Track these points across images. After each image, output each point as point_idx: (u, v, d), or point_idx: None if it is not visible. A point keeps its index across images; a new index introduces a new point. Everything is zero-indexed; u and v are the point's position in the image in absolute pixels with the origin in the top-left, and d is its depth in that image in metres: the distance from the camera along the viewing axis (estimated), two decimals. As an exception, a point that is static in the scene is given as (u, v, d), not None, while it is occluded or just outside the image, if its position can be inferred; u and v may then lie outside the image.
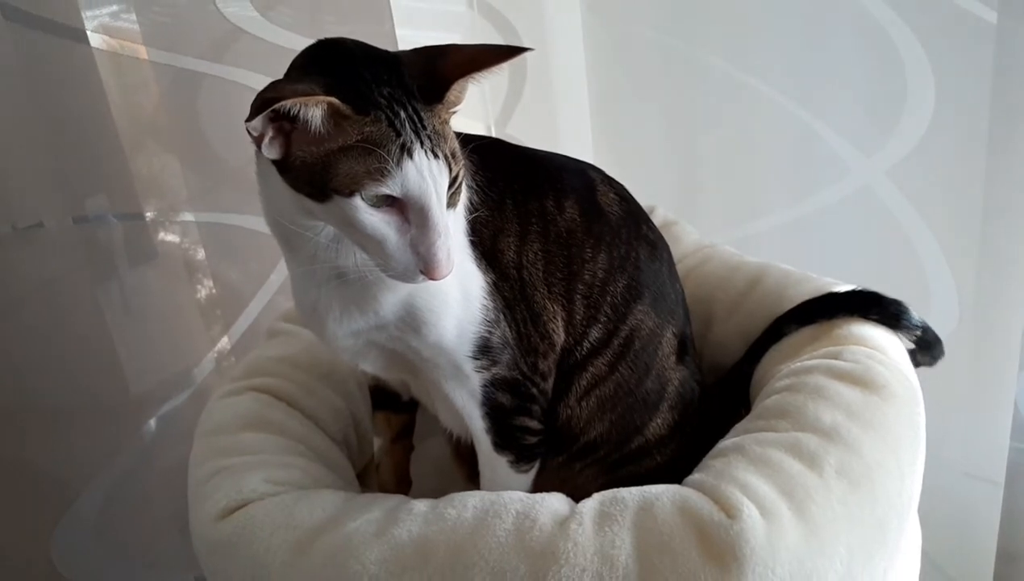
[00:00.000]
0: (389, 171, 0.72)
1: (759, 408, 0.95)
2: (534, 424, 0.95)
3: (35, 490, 1.53)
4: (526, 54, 0.79)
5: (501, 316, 0.91)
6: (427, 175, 0.73)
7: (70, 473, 1.55)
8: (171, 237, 1.62)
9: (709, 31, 1.64)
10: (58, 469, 1.54)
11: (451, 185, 0.77)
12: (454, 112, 0.80)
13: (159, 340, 1.65)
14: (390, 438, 1.16)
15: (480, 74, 0.77)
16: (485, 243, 0.91)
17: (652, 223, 1.06)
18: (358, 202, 0.73)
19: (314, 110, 0.71)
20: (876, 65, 1.47)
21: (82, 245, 1.52)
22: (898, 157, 1.49)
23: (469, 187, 0.90)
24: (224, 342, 1.70)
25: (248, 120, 0.71)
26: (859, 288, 1.08)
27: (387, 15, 1.58)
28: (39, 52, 1.39)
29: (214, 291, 1.70)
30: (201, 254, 1.66)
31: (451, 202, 0.78)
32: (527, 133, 1.88)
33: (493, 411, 0.93)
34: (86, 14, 1.40)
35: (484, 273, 0.90)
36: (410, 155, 0.72)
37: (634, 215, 1.02)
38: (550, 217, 0.95)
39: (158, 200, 1.59)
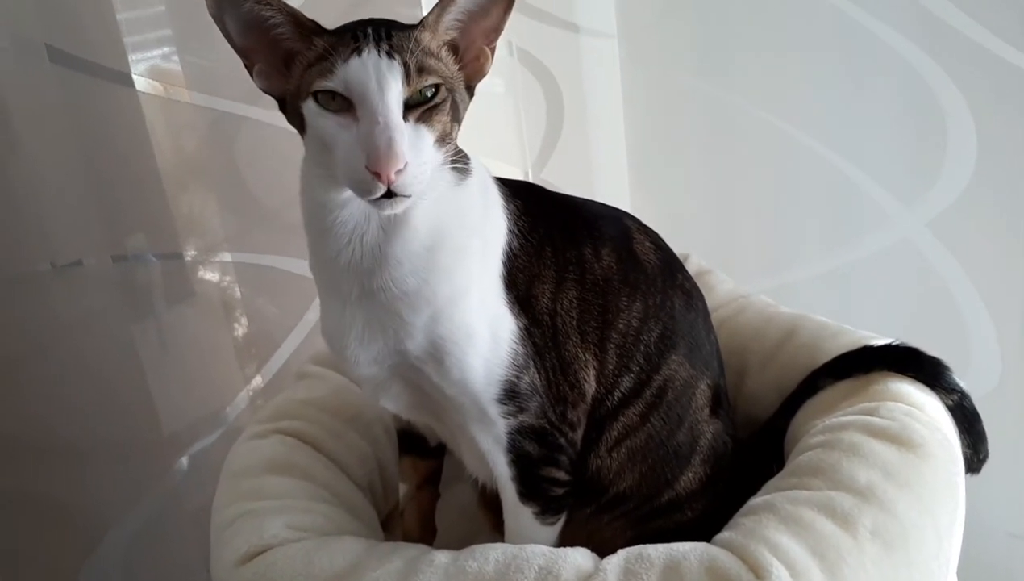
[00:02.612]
0: (335, 69, 0.75)
1: (792, 465, 0.93)
2: (561, 475, 0.93)
3: (63, 527, 1.51)
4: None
5: (531, 362, 0.89)
6: (371, 69, 0.75)
7: (98, 511, 1.55)
8: (208, 276, 1.64)
9: (747, 79, 1.64)
10: (86, 507, 1.53)
11: (427, 100, 0.78)
12: (449, 40, 0.82)
13: (193, 379, 1.65)
14: (416, 484, 1.14)
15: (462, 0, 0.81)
16: (520, 288, 0.90)
17: (687, 272, 1.04)
18: (311, 105, 0.77)
19: (278, 16, 0.77)
20: (917, 115, 1.45)
21: (120, 284, 1.54)
22: (940, 208, 1.47)
23: (510, 232, 0.91)
24: (257, 381, 1.70)
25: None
26: (897, 342, 1.05)
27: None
28: (84, 94, 1.42)
29: (248, 331, 1.70)
30: (237, 294, 1.67)
31: (424, 118, 0.78)
32: (563, 177, 1.88)
33: (519, 460, 0.91)
34: (132, 57, 1.43)
35: (516, 317, 0.89)
36: (358, 54, 0.75)
37: (669, 264, 1.01)
38: (587, 265, 0.94)
39: (196, 240, 1.61)
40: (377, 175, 0.73)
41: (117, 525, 1.55)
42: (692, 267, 1.31)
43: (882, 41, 1.43)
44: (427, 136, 0.78)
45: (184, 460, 1.62)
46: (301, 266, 1.30)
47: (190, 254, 1.59)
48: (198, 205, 1.62)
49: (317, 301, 0.94)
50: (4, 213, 1.37)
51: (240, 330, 1.70)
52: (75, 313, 1.49)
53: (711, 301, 1.19)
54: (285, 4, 0.79)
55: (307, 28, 0.79)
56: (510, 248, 0.90)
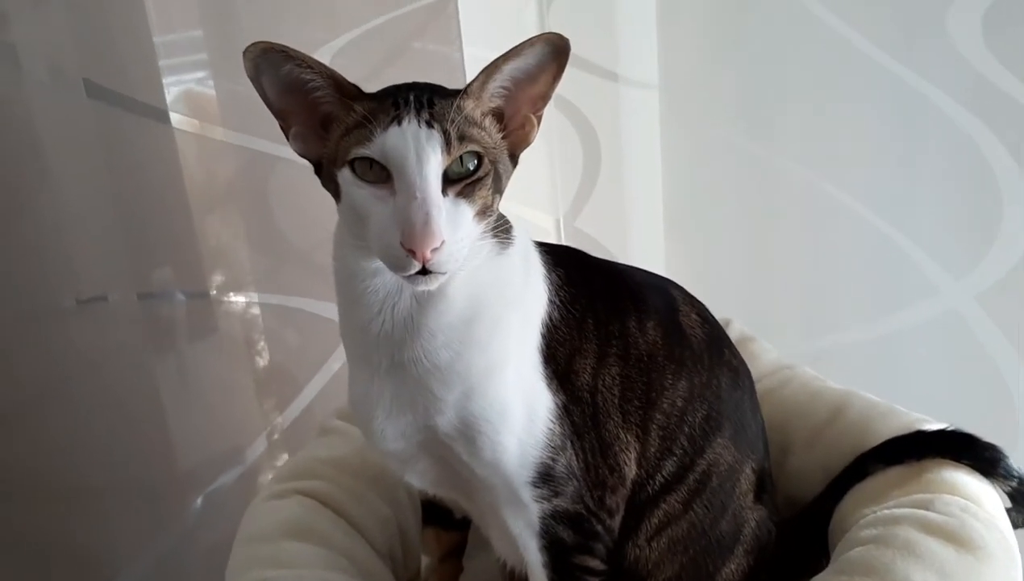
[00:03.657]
0: (374, 138, 0.72)
1: (842, 561, 0.87)
2: (597, 564, 0.88)
3: (75, 566, 1.48)
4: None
5: (568, 443, 0.85)
6: (409, 138, 0.72)
7: (111, 550, 1.51)
8: (233, 315, 1.61)
9: (792, 137, 1.60)
10: (99, 546, 1.50)
11: (469, 174, 0.75)
12: (493, 108, 0.79)
13: (213, 418, 1.62)
14: (438, 557, 1.09)
15: (509, 67, 0.77)
16: (560, 362, 0.86)
17: (734, 347, 1.00)
18: (347, 174, 0.74)
19: (318, 79, 0.75)
20: (970, 184, 1.41)
21: (144, 320, 1.51)
22: (990, 281, 1.42)
23: (551, 302, 0.87)
24: (278, 422, 1.66)
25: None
26: (951, 428, 1.00)
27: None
28: (119, 129, 1.40)
29: (271, 372, 1.67)
30: (261, 334, 1.64)
31: (465, 193, 0.75)
32: (597, 229, 1.85)
33: (552, 546, 0.86)
34: (166, 81, 1.42)
35: (554, 394, 0.85)
36: (398, 122, 0.72)
37: (716, 339, 0.96)
38: (631, 339, 0.90)
39: (223, 278, 1.58)
40: (412, 252, 0.70)
41: (129, 565, 1.52)
42: (734, 334, 1.26)
43: (936, 106, 1.39)
44: (467, 211, 0.74)
45: (199, 500, 1.59)
46: (328, 309, 1.28)
47: (216, 292, 1.56)
48: (227, 243, 1.59)
49: (342, 347, 0.91)
50: (30, 246, 1.35)
51: (262, 371, 1.66)
52: (98, 349, 1.46)
53: (754, 371, 1.13)
54: (326, 67, 0.76)
55: (348, 92, 0.77)
56: (550, 319, 0.86)
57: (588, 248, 1.80)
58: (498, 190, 0.79)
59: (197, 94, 1.48)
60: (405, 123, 0.72)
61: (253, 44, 0.73)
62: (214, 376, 1.62)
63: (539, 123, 0.82)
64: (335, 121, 0.77)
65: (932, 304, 1.50)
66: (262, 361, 1.66)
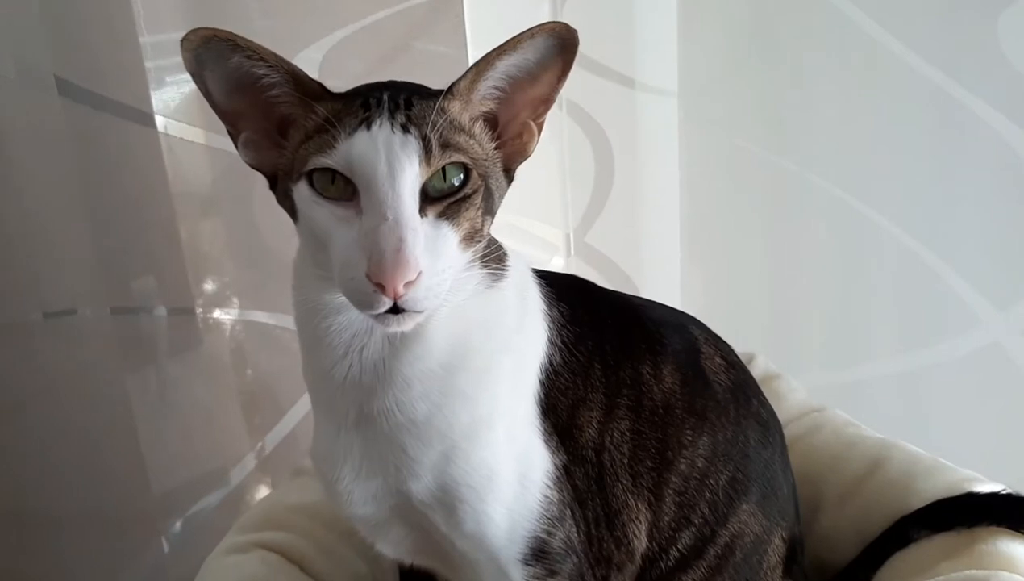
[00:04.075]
0: (336, 144, 0.60)
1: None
2: (598, 655, 0.75)
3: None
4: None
5: (568, 513, 0.72)
6: (380, 145, 0.60)
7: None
8: (213, 333, 1.51)
9: (820, 151, 1.49)
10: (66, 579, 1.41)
11: (453, 191, 0.63)
12: (485, 112, 0.68)
13: (192, 439, 1.52)
14: (420, 621, 0.97)
15: (504, 63, 0.66)
16: (560, 415, 0.74)
17: (763, 395, 0.87)
18: (303, 189, 0.62)
19: (274, 75, 0.64)
20: (1016, 204, 1.32)
21: (116, 336, 1.42)
22: (1038, 314, 1.33)
23: (552, 343, 0.75)
24: (261, 445, 1.56)
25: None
26: (1007, 491, 0.89)
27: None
28: (95, 130, 1.31)
29: (254, 392, 1.57)
30: (245, 352, 1.54)
31: (449, 213, 0.63)
32: (608, 245, 1.75)
33: None
34: (155, 94, 1.33)
35: (553, 453, 0.73)
36: (367, 126, 0.61)
37: (743, 386, 0.84)
38: (645, 387, 0.77)
39: (207, 292, 1.49)
40: (380, 287, 0.58)
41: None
42: (757, 371, 1.15)
43: (981, 119, 1.31)
44: (450, 236, 0.62)
45: (174, 528, 1.50)
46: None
47: (197, 308, 1.47)
48: (211, 255, 1.50)
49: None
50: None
51: (246, 391, 1.57)
52: (65, 366, 1.38)
53: (780, 413, 1.02)
54: (283, 60, 0.64)
55: (309, 90, 0.65)
56: (550, 364, 0.74)
57: (598, 265, 1.73)
58: (489, 211, 0.67)
59: (186, 97, 1.38)
60: (376, 127, 0.61)
61: (193, 31, 0.62)
62: (194, 396, 1.52)
63: (540, 132, 0.70)
64: (294, 125, 0.66)
65: (973, 337, 1.40)
66: (245, 381, 1.56)
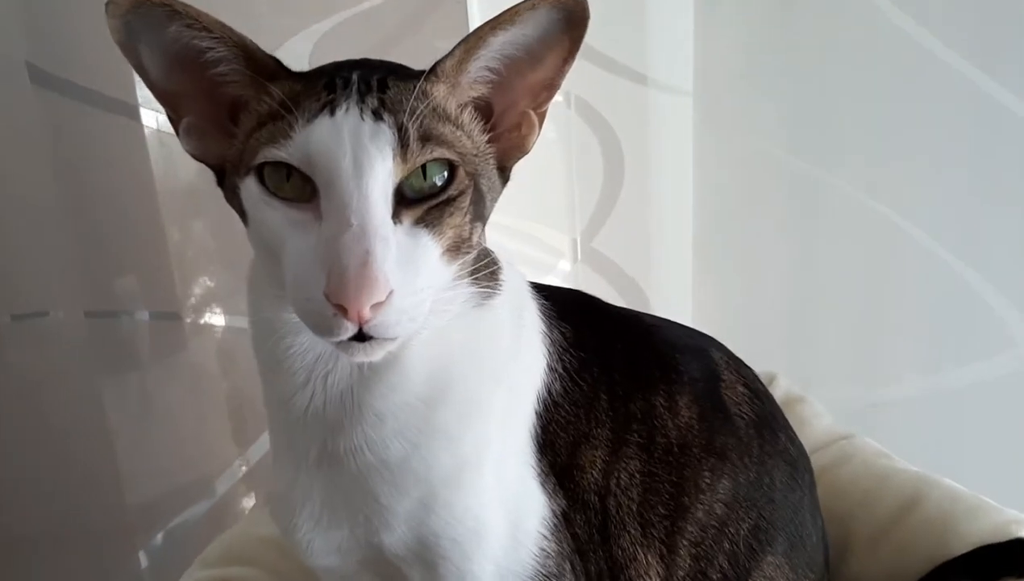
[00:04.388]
0: (292, 132, 0.51)
1: None
2: None
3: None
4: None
5: (567, 567, 0.63)
6: (345, 134, 0.50)
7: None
8: (200, 338, 1.43)
9: (844, 155, 1.42)
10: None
11: (436, 192, 0.53)
12: (476, 98, 0.59)
13: (173, 449, 1.45)
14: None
15: (500, 40, 0.56)
16: (560, 454, 0.64)
17: (791, 429, 0.77)
18: (251, 186, 0.53)
19: (221, 48, 0.54)
20: None
21: (92, 339, 1.34)
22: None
23: (551, 370, 0.65)
24: (238, 466, 1.49)
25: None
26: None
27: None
28: (72, 122, 1.25)
29: (242, 400, 1.48)
30: (229, 359, 1.46)
31: (429, 219, 0.53)
32: (617, 251, 1.65)
33: None
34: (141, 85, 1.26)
35: (550, 498, 0.63)
36: (331, 111, 0.51)
37: (769, 419, 0.74)
38: (658, 421, 0.68)
39: (190, 296, 1.41)
40: (341, 308, 0.48)
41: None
42: (779, 392, 1.07)
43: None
44: (430, 247, 0.53)
45: (154, 542, 1.43)
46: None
47: (182, 312, 1.39)
48: (197, 257, 1.41)
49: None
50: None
51: (231, 400, 1.48)
52: (34, 372, 1.32)
53: (804, 441, 0.92)
54: (231, 31, 0.54)
55: (263, 68, 0.55)
56: (549, 394, 0.64)
57: (606, 272, 1.64)
58: (479, 216, 0.57)
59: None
60: (340, 112, 0.51)
61: None
62: (177, 403, 1.45)
63: (541, 123, 0.60)
64: (245, 109, 0.56)
65: (1009, 357, 1.34)
66: (231, 388, 1.47)
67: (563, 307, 0.69)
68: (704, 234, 1.60)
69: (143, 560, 1.40)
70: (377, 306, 0.48)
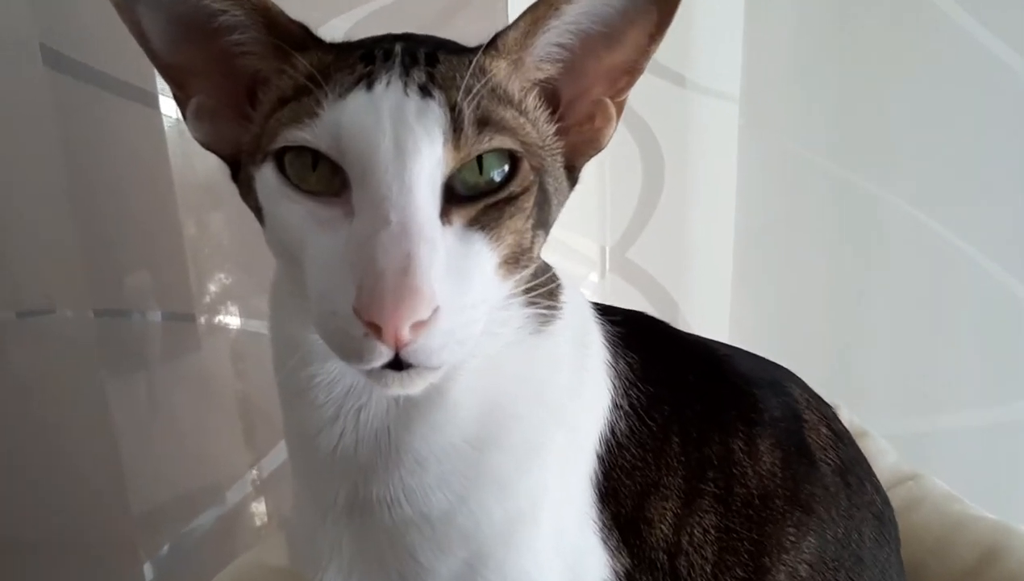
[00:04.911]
0: (320, 110, 0.42)
1: None
2: None
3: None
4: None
5: None
6: (385, 112, 0.42)
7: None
8: (214, 339, 1.37)
9: (898, 167, 1.36)
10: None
11: (494, 189, 0.45)
12: (543, 80, 0.49)
13: (184, 455, 1.40)
14: None
15: (576, 9, 0.47)
16: (625, 505, 0.56)
17: (875, 476, 0.69)
18: (269, 175, 0.44)
19: (237, 12, 0.45)
20: None
21: (101, 338, 1.29)
22: None
23: (617, 408, 0.57)
24: (250, 476, 1.43)
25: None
26: None
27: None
28: (86, 108, 1.19)
29: (252, 407, 1.43)
30: (243, 363, 1.40)
31: (486, 220, 0.44)
32: (652, 262, 1.57)
33: None
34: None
35: (613, 556, 0.55)
36: (367, 85, 0.42)
37: (854, 465, 0.66)
38: (737, 469, 0.59)
39: (206, 296, 1.36)
40: (375, 327, 0.39)
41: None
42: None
43: None
44: (484, 255, 0.44)
45: (161, 552, 1.38)
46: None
47: (197, 313, 1.33)
48: (207, 256, 1.35)
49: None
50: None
51: (243, 405, 1.42)
52: (39, 372, 1.27)
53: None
54: None
55: (287, 34, 0.47)
56: (614, 434, 0.56)
57: (640, 284, 1.56)
58: (542, 223, 0.49)
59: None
60: (380, 86, 0.43)
61: None
62: (186, 408, 1.39)
63: (619, 115, 0.52)
64: (265, 85, 0.48)
65: None
66: (241, 394, 1.42)
67: (629, 332, 0.61)
68: (745, 247, 1.53)
69: (148, 572, 1.35)
70: (419, 326, 0.40)
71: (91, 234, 1.23)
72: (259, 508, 1.43)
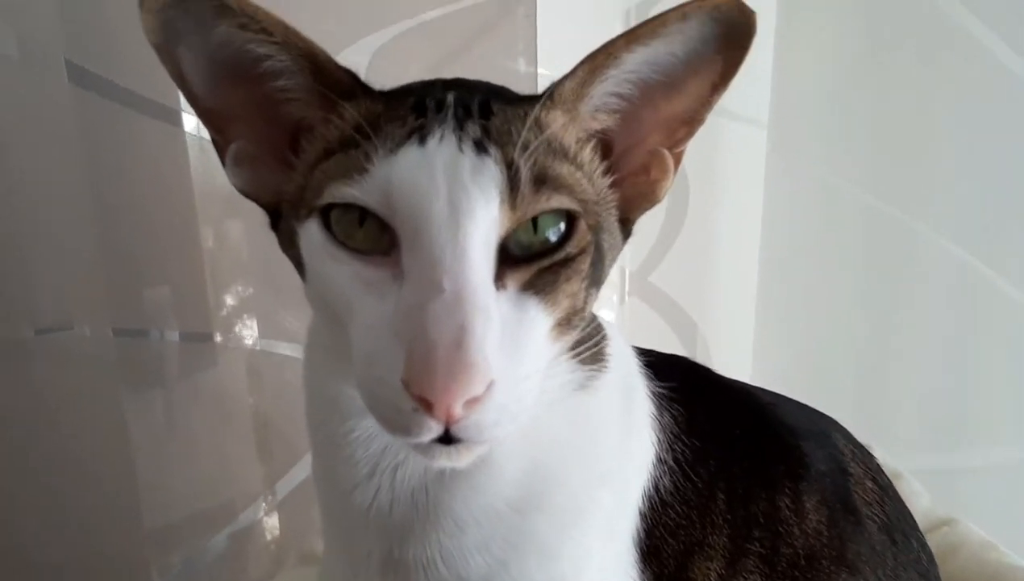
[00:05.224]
0: (369, 165, 0.40)
1: None
2: None
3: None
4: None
5: None
6: (439, 170, 0.40)
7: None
8: (231, 359, 1.36)
9: (932, 198, 1.33)
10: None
11: (550, 250, 0.42)
12: (598, 131, 0.47)
13: (199, 476, 1.38)
14: None
15: (637, 57, 0.45)
16: (667, 563, 0.54)
17: (919, 530, 0.67)
18: (314, 232, 0.42)
19: (283, 56, 0.43)
20: None
21: (119, 356, 1.27)
22: None
23: (661, 463, 0.55)
24: (261, 505, 1.42)
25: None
26: None
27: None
28: (109, 125, 1.17)
29: (266, 428, 1.42)
30: (261, 385, 1.39)
31: (541, 284, 0.42)
32: (674, 287, 1.55)
33: None
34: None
35: None
36: (420, 140, 0.40)
37: (900, 521, 0.64)
38: (784, 527, 0.57)
39: (226, 314, 1.34)
40: (426, 403, 0.37)
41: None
42: (872, 467, 0.94)
43: None
44: (538, 321, 0.42)
45: (174, 571, 1.35)
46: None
47: (215, 331, 1.32)
48: (227, 274, 1.34)
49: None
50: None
51: (251, 430, 1.42)
52: (56, 390, 1.23)
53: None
54: (296, 34, 0.44)
55: (334, 82, 0.45)
56: (657, 491, 0.54)
57: (662, 309, 1.54)
58: (596, 282, 0.47)
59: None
60: (433, 141, 0.41)
61: None
62: (202, 427, 1.37)
63: (677, 167, 0.50)
64: (309, 134, 0.46)
65: None
66: (258, 414, 1.41)
67: (673, 382, 0.58)
68: (770, 275, 1.51)
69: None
70: (472, 402, 0.38)
71: (111, 251, 1.21)
72: (274, 529, 1.41)
